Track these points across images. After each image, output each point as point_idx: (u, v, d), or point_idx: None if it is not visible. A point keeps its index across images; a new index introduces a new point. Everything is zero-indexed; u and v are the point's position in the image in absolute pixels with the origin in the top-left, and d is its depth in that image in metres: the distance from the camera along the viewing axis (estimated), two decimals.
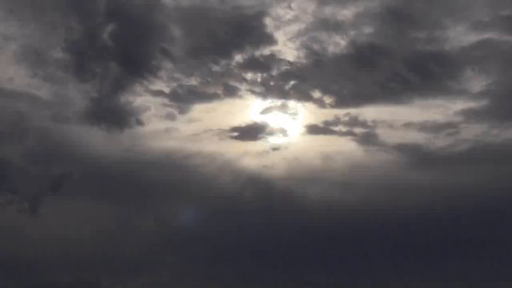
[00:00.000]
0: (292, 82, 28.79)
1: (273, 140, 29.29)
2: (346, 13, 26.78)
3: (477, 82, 29.60)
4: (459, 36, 27.99)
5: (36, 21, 26.94)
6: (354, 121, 28.91)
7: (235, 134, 28.94)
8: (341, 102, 29.08)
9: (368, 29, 27.09)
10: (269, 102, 27.95)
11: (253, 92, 27.99)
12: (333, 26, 27.30)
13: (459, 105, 30.05)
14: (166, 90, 27.90)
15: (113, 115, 27.80)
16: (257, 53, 28.07)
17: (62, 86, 27.75)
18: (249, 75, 28.30)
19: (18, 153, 26.01)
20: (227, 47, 28.53)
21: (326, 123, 29.13)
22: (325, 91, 28.85)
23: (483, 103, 29.71)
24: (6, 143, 25.54)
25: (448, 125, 29.89)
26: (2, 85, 26.21)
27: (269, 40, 28.10)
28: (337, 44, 27.93)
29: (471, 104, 29.95)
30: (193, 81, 28.57)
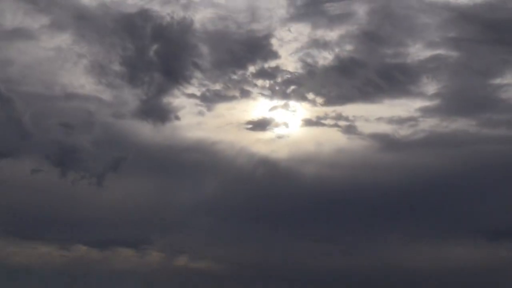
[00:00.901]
0: (292, 87, 35.01)
1: (278, 131, 35.77)
2: (332, 35, 33.25)
3: (431, 87, 36.99)
4: (417, 52, 35.61)
5: (101, 43, 33.71)
6: (339, 116, 35.52)
7: (249, 126, 35.28)
8: (329, 102, 35.84)
9: (348, 47, 33.70)
10: (275, 102, 34.17)
11: (262, 94, 34.12)
12: (322, 44, 33.95)
13: (418, 104, 37.37)
14: (197, 93, 34.34)
15: (157, 113, 34.28)
16: (265, 65, 34.43)
17: (119, 91, 33.98)
18: (259, 82, 34.50)
19: (88, 141, 33.03)
20: (243, 60, 35.41)
21: (318, 117, 35.44)
22: (316, 93, 35.28)
23: (435, 102, 37.08)
24: (79, 133, 32.67)
25: (409, 119, 37.07)
26: (75, 91, 33.17)
27: (274, 55, 34.53)
28: (325, 58, 34.10)
29: (426, 103, 37.36)
30: (217, 86, 34.76)
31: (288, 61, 36.92)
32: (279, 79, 37.18)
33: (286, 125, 36.34)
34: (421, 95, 40.11)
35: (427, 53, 38.39)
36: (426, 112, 39.82)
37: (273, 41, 35.24)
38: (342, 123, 38.55)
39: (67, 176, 33.53)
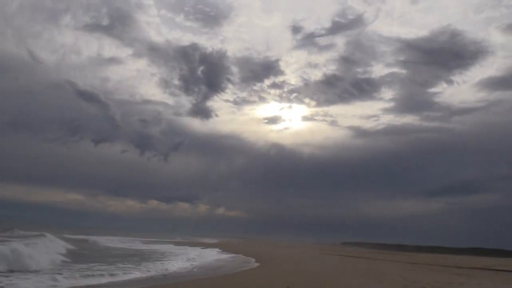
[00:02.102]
0: (294, 94, 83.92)
1: (285, 124, 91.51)
2: (320, 59, 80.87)
3: (388, 94, 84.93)
4: (379, 70, 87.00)
5: (165, 65, 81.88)
6: (326, 114, 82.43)
7: (265, 121, 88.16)
8: (319, 104, 73.07)
9: (332, 67, 64.00)
10: (282, 104, 76.84)
11: (274, 100, 70.00)
12: (314, 65, 73.98)
13: (379, 105, 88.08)
14: (230, 99, 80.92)
15: (203, 112, 77.56)
16: (276, 80, 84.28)
17: (178, 98, 76.49)
18: (272, 91, 79.87)
19: (157, 131, 76.00)
20: (260, 76, 79.37)
21: (312, 115, 79.04)
22: (310, 98, 68.68)
23: (391, 104, 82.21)
24: (152, 126, 72.04)
25: (373, 115, 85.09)
26: (149, 98, 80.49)
27: (282, 73, 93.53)
28: (316, 75, 75.64)
29: (385, 105, 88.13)
30: (244, 94, 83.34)
31: (291, 77, 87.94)
32: (285, 89, 77.26)
33: (290, 120, 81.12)
34: (381, 99, 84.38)
35: (385, 71, 73.43)
36: (384, 111, 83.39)
37: (281, 63, 75.00)
38: (328, 118, 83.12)
39: (145, 154, 74.69)
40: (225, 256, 22.35)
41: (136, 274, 10.90)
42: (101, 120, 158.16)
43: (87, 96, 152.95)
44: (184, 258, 18.64)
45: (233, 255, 23.28)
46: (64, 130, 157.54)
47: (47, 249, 15.09)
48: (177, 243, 40.64)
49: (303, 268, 14.63)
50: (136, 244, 34.64)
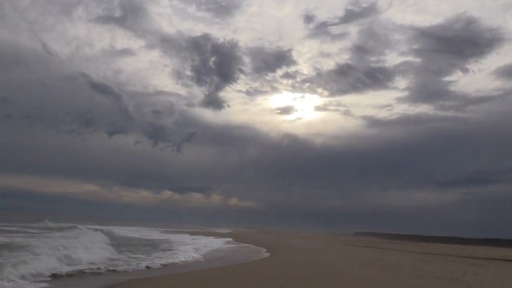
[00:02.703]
0: (306, 84, 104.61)
1: (297, 114, 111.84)
2: (333, 48, 75.82)
3: (402, 83, 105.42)
4: (392, 59, 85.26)
5: (177, 56, 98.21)
6: (338, 103, 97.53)
7: (278, 111, 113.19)
8: (331, 94, 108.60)
9: (345, 56, 74.05)
10: (295, 94, 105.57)
11: (286, 89, 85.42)
12: (327, 55, 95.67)
13: (393, 94, 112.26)
14: (243, 89, 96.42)
15: (215, 103, 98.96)
16: (288, 69, 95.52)
17: (190, 89, 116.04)
18: (284, 81, 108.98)
19: (170, 122, 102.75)
20: (273, 67, 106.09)
21: (324, 105, 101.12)
22: (323, 88, 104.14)
23: (405, 93, 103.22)
24: (165, 117, 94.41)
25: (387, 105, 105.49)
26: (162, 89, 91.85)
27: (294, 63, 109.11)
28: (329, 64, 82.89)
29: (399, 94, 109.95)
30: (256, 85, 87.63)
31: (304, 66, 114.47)
32: (298, 79, 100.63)
33: (302, 110, 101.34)
34: (395, 88, 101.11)
35: (399, 59, 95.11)
36: (398, 100, 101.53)
37: (294, 53, 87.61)
38: (341, 108, 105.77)
39: (158, 145, 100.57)
40: (236, 246, 22.44)
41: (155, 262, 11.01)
42: (114, 112, 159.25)
43: (100, 88, 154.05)
44: (197, 247, 18.80)
45: (245, 245, 23.39)
46: (78, 122, 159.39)
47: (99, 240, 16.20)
48: (191, 233, 41.08)
49: (315, 258, 14.58)
50: (153, 233, 35.21)
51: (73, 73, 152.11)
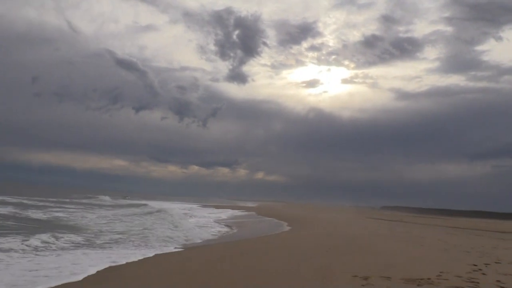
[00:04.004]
0: (333, 57, 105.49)
1: (323, 88, 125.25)
2: (359, 18, 72.91)
3: (432, 53, 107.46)
4: (422, 28, 78.76)
5: (201, 31, 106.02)
6: (365, 76, 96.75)
7: (304, 85, 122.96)
8: (358, 66, 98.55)
9: (372, 27, 62.46)
10: (321, 67, 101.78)
11: (312, 62, 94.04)
12: (353, 25, 77.36)
13: (422, 66, 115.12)
14: (268, 63, 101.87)
15: (240, 77, 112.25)
16: (314, 41, 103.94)
17: (214, 63, 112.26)
18: (309, 54, 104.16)
19: (195, 97, 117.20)
20: (298, 39, 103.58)
21: (351, 77, 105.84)
22: (349, 60, 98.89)
23: (435, 64, 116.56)
24: (190, 92, 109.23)
25: (416, 76, 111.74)
26: (186, 64, 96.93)
27: (320, 34, 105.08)
28: (355, 35, 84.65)
29: (429, 65, 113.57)
30: (281, 58, 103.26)
31: (330, 38, 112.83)
32: (323, 51, 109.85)
33: (328, 83, 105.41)
34: (424, 59, 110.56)
35: (429, 29, 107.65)
36: (428, 71, 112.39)
37: (319, 25, 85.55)
38: (368, 81, 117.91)
39: (183, 121, 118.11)
40: (257, 219, 22.84)
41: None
42: (140, 88, 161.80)
43: (126, 65, 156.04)
44: (222, 218, 19.31)
45: (268, 218, 23.76)
46: (105, 98, 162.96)
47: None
48: (217, 207, 42.06)
49: (342, 231, 14.73)
50: (193, 209, 36.13)
51: (99, 50, 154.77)
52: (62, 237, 9.59)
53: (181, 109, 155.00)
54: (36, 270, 5.87)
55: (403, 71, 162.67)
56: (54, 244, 8.73)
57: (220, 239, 11.72)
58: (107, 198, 41.91)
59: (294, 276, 5.48)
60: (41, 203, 24.14)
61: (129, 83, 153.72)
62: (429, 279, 5.06)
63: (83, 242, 9.34)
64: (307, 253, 7.87)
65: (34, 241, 8.65)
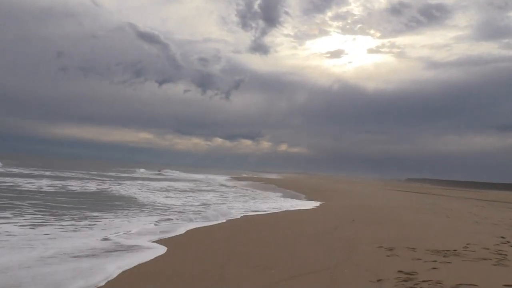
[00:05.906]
0: (358, 25, 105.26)
1: (348, 58, 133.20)
2: None
3: (463, 20, 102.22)
4: None
5: (222, 1, 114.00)
6: (392, 45, 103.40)
7: (328, 55, 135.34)
8: (384, 35, 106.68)
9: None
10: (346, 37, 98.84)
11: (336, 32, 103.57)
12: None
13: (452, 33, 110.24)
14: (291, 33, 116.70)
15: (262, 48, 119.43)
16: (339, 10, 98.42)
17: (236, 35, 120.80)
18: (334, 23, 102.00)
19: (218, 69, 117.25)
20: (321, 7, 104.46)
21: (377, 47, 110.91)
22: (375, 29, 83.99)
23: (466, 32, 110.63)
24: (212, 65, 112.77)
25: (446, 45, 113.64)
26: (208, 36, 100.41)
27: (345, 2, 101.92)
28: (380, 2, 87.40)
29: (459, 33, 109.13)
30: (304, 28, 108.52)
31: (355, 6, 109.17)
32: (348, 20, 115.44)
33: (353, 53, 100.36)
34: (454, 27, 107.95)
35: None
36: (458, 39, 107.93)
37: None
38: (395, 50, 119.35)
39: (206, 93, 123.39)
40: (279, 193, 23.01)
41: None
42: (163, 61, 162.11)
43: (148, 37, 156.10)
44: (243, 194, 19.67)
45: (288, 191, 23.86)
46: (129, 72, 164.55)
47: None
48: (239, 178, 42.65)
49: (366, 203, 14.77)
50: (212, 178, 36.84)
51: (122, 23, 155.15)
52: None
53: (204, 82, 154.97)
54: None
55: (432, 40, 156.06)
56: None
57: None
58: (143, 170, 42.76)
59: (321, 245, 5.62)
60: (98, 178, 23.61)
61: (151, 56, 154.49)
62: (455, 250, 5.09)
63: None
64: (333, 223, 8.01)
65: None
